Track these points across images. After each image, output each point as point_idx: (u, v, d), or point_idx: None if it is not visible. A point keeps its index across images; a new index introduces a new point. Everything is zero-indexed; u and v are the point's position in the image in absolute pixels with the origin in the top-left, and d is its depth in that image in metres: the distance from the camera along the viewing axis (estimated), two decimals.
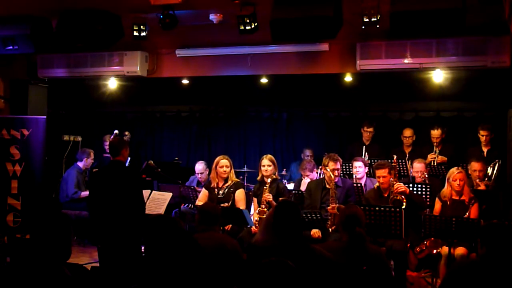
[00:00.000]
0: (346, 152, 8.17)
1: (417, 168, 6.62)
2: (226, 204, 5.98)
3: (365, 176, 6.81)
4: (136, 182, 5.14)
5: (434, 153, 7.32)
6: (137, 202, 5.03)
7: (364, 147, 8.00)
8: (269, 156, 6.26)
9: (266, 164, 6.15)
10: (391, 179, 5.65)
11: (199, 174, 7.41)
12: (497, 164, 6.56)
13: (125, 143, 5.32)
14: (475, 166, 6.26)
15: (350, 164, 7.22)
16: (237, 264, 3.84)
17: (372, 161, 7.31)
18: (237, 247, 4.09)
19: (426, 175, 6.64)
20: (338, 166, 5.98)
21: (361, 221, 3.79)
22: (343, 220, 3.85)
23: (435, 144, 7.53)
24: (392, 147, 7.96)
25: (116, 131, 7.50)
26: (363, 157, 7.62)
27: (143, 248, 5.33)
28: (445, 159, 7.20)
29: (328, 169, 5.91)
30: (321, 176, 6.84)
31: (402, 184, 5.62)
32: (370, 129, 8.09)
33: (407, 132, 7.85)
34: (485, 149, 7.21)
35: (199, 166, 7.44)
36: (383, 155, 7.70)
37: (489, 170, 6.47)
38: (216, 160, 6.27)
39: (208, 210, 4.20)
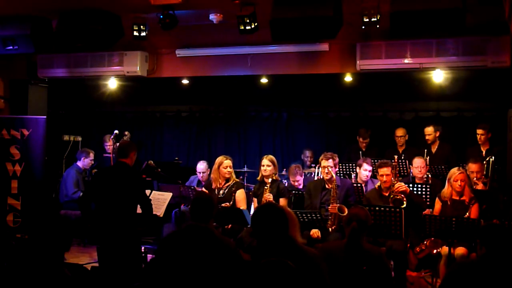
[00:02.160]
0: (343, 154, 8.15)
1: (417, 163, 6.58)
2: (227, 204, 5.98)
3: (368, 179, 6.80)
4: (140, 185, 5.13)
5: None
6: (143, 204, 5.03)
7: (361, 152, 7.99)
8: (270, 156, 6.25)
9: (266, 164, 6.15)
10: (392, 178, 5.65)
11: (201, 173, 7.41)
12: (490, 161, 6.54)
13: (135, 147, 5.29)
14: (472, 167, 6.26)
15: (351, 165, 7.23)
16: (235, 264, 3.82)
17: (372, 161, 7.30)
18: (233, 246, 4.07)
19: (430, 175, 6.63)
20: (330, 163, 5.91)
21: (362, 220, 3.78)
22: (346, 219, 3.85)
23: (428, 141, 7.52)
24: (390, 147, 7.97)
25: (116, 131, 7.49)
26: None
27: (143, 248, 5.34)
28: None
29: (326, 167, 5.92)
30: (320, 176, 6.85)
31: (403, 184, 5.63)
32: (366, 140, 8.10)
33: (399, 132, 7.86)
34: (483, 149, 7.22)
35: (201, 166, 7.44)
36: (380, 157, 7.69)
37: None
38: (219, 161, 6.26)
39: (201, 199, 3.88)
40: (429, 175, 6.64)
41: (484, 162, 6.48)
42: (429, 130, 7.54)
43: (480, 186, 6.16)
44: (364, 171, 6.72)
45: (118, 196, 4.95)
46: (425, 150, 7.32)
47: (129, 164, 5.14)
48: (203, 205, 3.88)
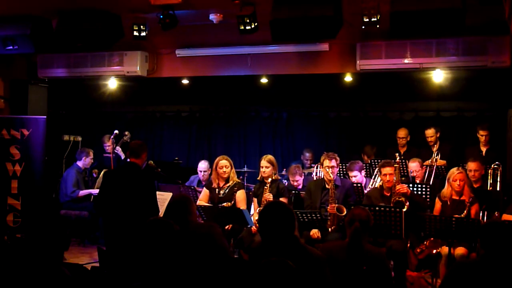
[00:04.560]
0: (345, 155, 8.11)
1: (412, 167, 6.67)
2: (227, 204, 5.98)
3: (364, 179, 6.78)
4: (151, 188, 5.08)
5: (433, 158, 7.26)
6: (151, 207, 4.97)
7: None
8: (269, 157, 6.23)
9: (264, 166, 6.14)
10: (394, 178, 5.64)
11: (202, 172, 7.41)
12: (498, 170, 6.46)
13: (146, 148, 5.22)
14: (471, 166, 6.26)
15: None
16: (214, 250, 3.82)
17: (372, 161, 7.29)
18: (220, 235, 4.09)
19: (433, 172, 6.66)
20: (334, 163, 5.92)
21: (364, 221, 3.78)
22: (348, 220, 3.86)
23: (430, 143, 7.53)
24: (390, 146, 7.96)
25: (116, 131, 7.50)
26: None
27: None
28: (444, 163, 7.17)
29: (330, 168, 5.91)
30: (320, 175, 6.85)
31: (404, 185, 5.62)
32: (371, 158, 7.80)
33: (401, 133, 7.83)
34: (483, 149, 7.21)
35: (202, 165, 7.44)
36: (381, 156, 7.69)
37: (489, 179, 6.42)
38: (216, 161, 6.27)
39: (175, 201, 4.14)
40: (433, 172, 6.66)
41: (490, 170, 6.44)
42: (430, 132, 7.53)
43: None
44: (351, 177, 6.66)
45: (129, 198, 4.91)
46: (435, 152, 7.33)
47: (139, 164, 5.11)
48: (176, 206, 3.98)
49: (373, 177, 6.79)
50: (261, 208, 5.97)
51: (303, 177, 6.94)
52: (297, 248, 3.21)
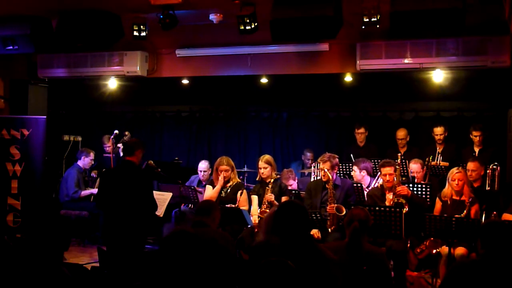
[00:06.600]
0: (343, 154, 8.11)
1: (414, 168, 6.66)
2: (231, 205, 5.99)
3: (368, 178, 6.76)
4: (148, 184, 5.11)
5: (435, 160, 7.25)
6: (148, 204, 5.01)
7: (359, 149, 7.96)
8: (266, 157, 6.21)
9: (262, 167, 6.14)
10: (394, 178, 5.63)
11: (202, 172, 7.41)
12: (496, 171, 6.46)
13: (141, 145, 5.25)
14: (469, 166, 6.26)
15: (351, 165, 7.22)
16: (228, 260, 3.83)
17: (373, 161, 7.28)
18: (229, 242, 4.08)
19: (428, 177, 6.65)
20: (327, 165, 5.86)
21: (363, 220, 3.78)
22: (347, 220, 3.86)
23: (439, 141, 7.49)
24: (391, 147, 7.96)
25: (116, 131, 7.50)
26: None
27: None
28: (446, 164, 7.15)
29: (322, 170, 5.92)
30: (316, 174, 6.87)
31: (405, 187, 5.60)
32: (361, 130, 8.03)
33: (400, 134, 7.80)
34: (476, 149, 7.21)
35: (203, 165, 7.45)
36: (381, 157, 7.67)
37: (488, 179, 6.42)
38: (216, 163, 6.28)
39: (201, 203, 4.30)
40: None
41: (489, 170, 6.44)
42: (439, 130, 7.47)
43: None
44: (354, 172, 6.69)
45: (126, 195, 4.93)
46: (437, 151, 7.31)
47: (135, 162, 5.13)
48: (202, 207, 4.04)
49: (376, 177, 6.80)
50: (262, 209, 5.98)
51: (296, 180, 6.95)
52: (311, 248, 3.21)
